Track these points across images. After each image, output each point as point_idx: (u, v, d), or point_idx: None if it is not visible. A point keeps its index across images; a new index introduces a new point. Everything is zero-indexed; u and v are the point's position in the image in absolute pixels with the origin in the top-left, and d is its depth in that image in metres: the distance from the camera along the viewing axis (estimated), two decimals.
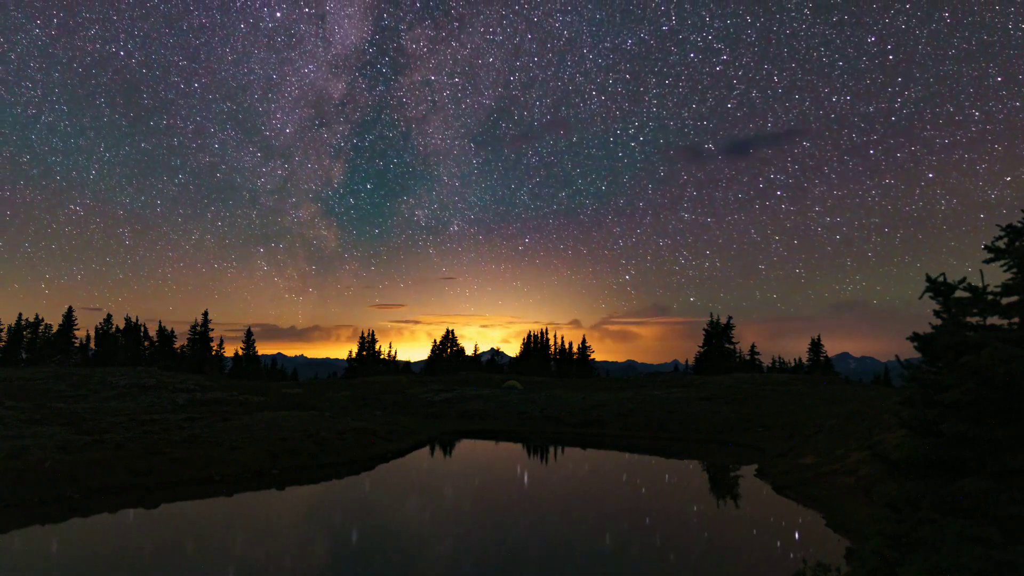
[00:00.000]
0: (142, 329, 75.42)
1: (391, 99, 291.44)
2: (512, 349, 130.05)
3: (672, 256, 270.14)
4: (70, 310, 71.78)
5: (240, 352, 76.36)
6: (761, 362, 73.12)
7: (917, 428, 6.90)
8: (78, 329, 72.31)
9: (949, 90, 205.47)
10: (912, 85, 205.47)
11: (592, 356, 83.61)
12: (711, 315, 75.85)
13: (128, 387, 41.10)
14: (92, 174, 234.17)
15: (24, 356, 68.64)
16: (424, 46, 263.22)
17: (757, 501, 19.31)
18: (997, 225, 6.93)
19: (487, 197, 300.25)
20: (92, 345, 74.01)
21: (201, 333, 74.56)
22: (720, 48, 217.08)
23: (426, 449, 29.31)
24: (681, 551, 14.06)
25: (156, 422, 26.30)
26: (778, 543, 14.74)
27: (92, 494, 17.45)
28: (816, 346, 72.01)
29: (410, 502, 18.78)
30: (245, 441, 23.61)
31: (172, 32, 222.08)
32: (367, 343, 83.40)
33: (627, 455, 29.36)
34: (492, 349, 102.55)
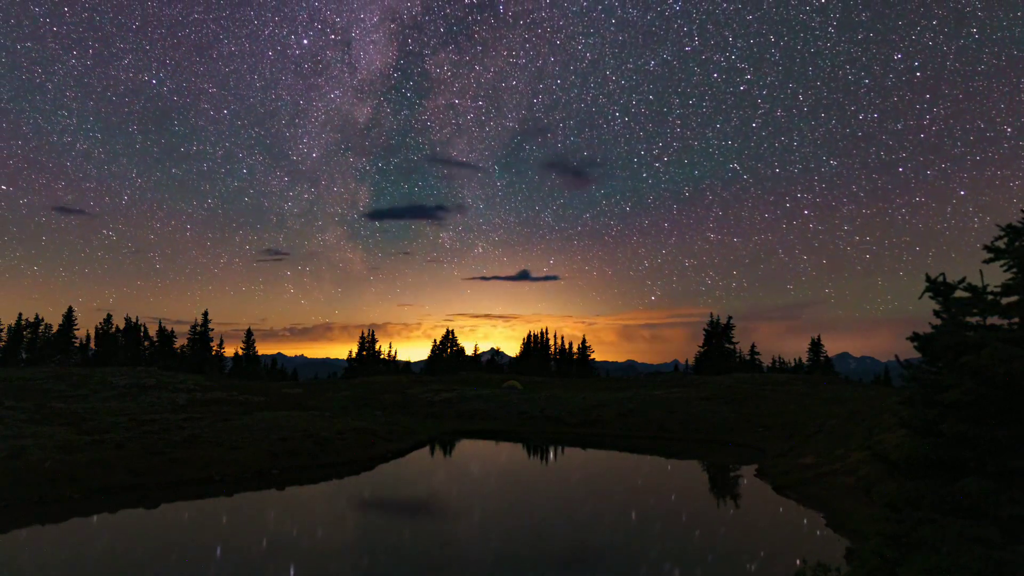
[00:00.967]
0: (142, 329, 75.44)
1: (416, 123, 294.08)
2: (512, 349, 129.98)
3: (698, 276, 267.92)
4: (70, 310, 71.80)
5: (240, 352, 76.33)
6: (761, 362, 73.11)
7: (917, 428, 6.90)
8: (78, 329, 72.35)
9: (979, 106, 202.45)
10: (941, 102, 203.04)
11: (592, 356, 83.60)
12: (711, 315, 75.81)
13: (128, 387, 41.09)
14: (124, 199, 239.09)
15: (24, 356, 68.64)
16: (448, 70, 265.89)
17: (757, 501, 19.31)
18: (997, 225, 6.93)
19: (511, 219, 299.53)
20: (92, 345, 74.02)
21: (201, 333, 74.55)
22: (744, 68, 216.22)
23: (426, 449, 29.31)
24: (681, 551, 14.07)
25: (156, 422, 26.29)
26: (778, 543, 14.74)
27: (92, 494, 17.45)
28: (816, 346, 71.99)
29: (410, 502, 18.78)
30: (245, 441, 23.61)
31: (202, 60, 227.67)
32: (367, 343, 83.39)
33: (627, 455, 29.36)
34: (492, 349, 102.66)
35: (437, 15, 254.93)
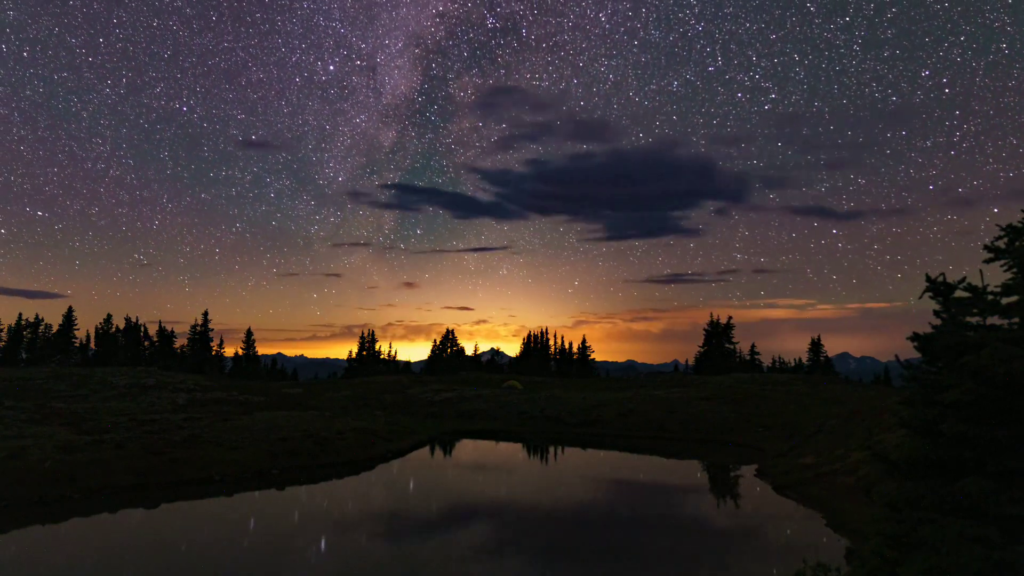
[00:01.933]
0: (142, 329, 75.42)
1: (440, 146, 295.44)
2: (512, 349, 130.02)
3: (725, 297, 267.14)
4: (70, 310, 71.78)
5: (240, 352, 76.30)
6: (761, 362, 73.01)
7: (917, 428, 6.89)
8: (78, 329, 72.29)
9: (1011, 122, 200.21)
10: (971, 118, 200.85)
11: (592, 356, 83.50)
12: (711, 315, 75.78)
13: (128, 387, 41.09)
14: (155, 224, 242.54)
15: (24, 356, 68.62)
16: (472, 93, 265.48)
17: (757, 501, 19.31)
18: (997, 225, 6.93)
19: (536, 241, 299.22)
20: (92, 345, 73.99)
21: (201, 333, 74.54)
22: (768, 87, 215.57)
23: (426, 449, 29.31)
24: (681, 551, 14.06)
25: (156, 422, 26.29)
26: (778, 543, 14.74)
27: (92, 494, 17.45)
28: (816, 346, 71.95)
29: (410, 502, 18.78)
30: (245, 441, 23.61)
31: (232, 87, 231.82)
32: (367, 343, 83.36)
33: (627, 455, 29.35)
34: (492, 349, 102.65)
35: (461, 40, 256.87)
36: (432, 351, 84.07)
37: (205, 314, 75.38)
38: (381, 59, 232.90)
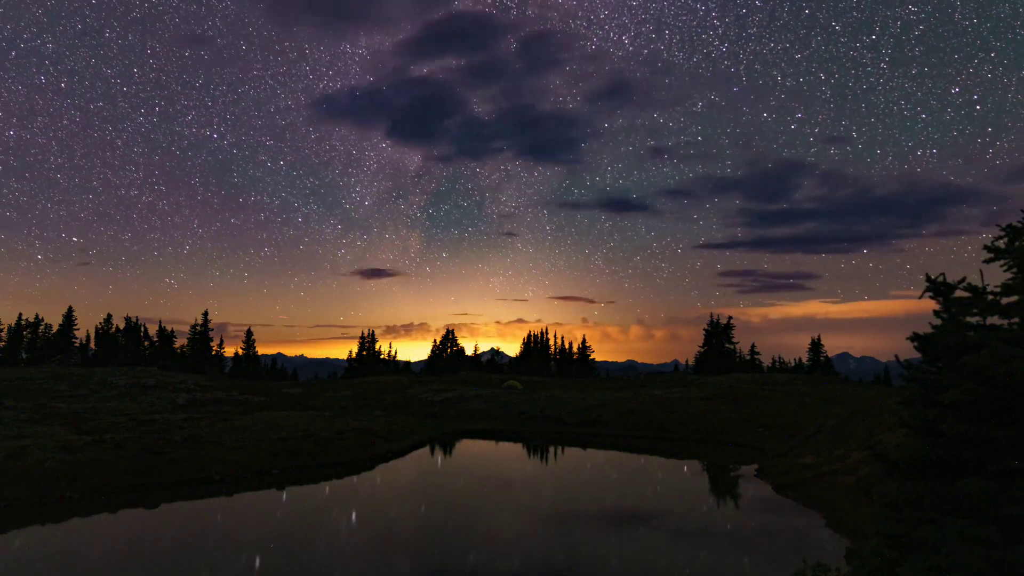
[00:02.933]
0: (142, 329, 75.41)
1: (465, 170, 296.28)
2: (512, 349, 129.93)
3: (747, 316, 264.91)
4: (70, 310, 71.77)
5: (240, 352, 76.29)
6: (761, 362, 73.00)
7: (917, 428, 6.89)
8: (78, 329, 72.29)
9: None
10: (1004, 135, 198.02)
11: (592, 356, 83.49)
12: (711, 315, 75.81)
13: (128, 387, 41.09)
14: (186, 249, 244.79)
15: (24, 356, 68.60)
16: (496, 117, 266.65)
17: (757, 501, 19.30)
18: (997, 225, 6.93)
19: (561, 262, 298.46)
20: (92, 345, 73.96)
21: (201, 333, 74.53)
22: (794, 106, 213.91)
23: (426, 449, 29.30)
24: (681, 551, 14.06)
25: (156, 422, 26.29)
26: (778, 543, 14.74)
27: (92, 494, 17.45)
28: (816, 346, 71.94)
29: (410, 502, 18.77)
30: (245, 441, 23.61)
31: (260, 114, 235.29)
32: (367, 343, 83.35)
33: (627, 455, 29.35)
34: (492, 349, 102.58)
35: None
36: (432, 351, 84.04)
37: (205, 314, 75.46)
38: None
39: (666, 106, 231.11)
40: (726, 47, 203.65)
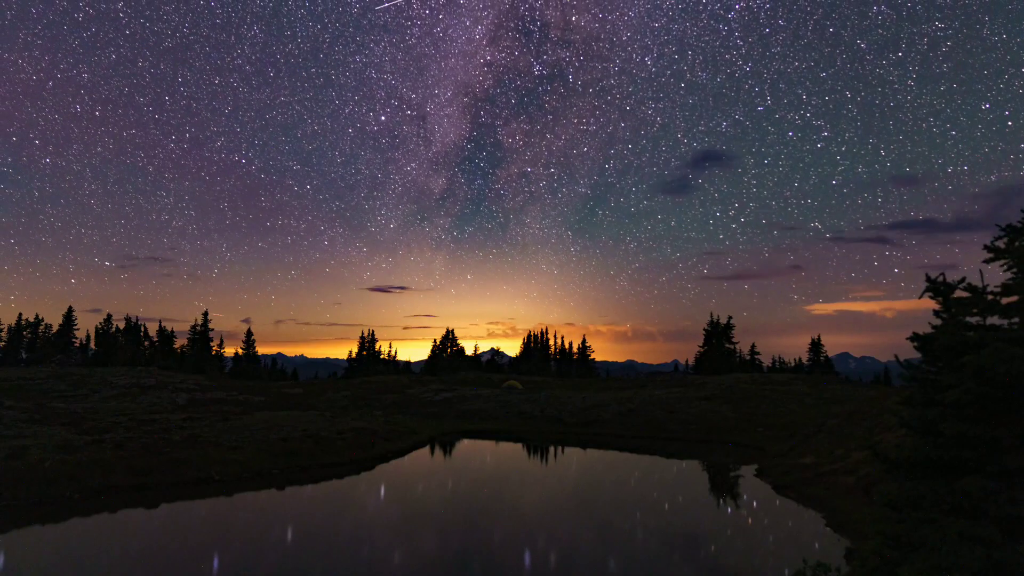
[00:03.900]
0: (142, 329, 75.44)
1: (489, 192, 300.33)
2: (512, 349, 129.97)
3: (778, 346, 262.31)
4: (70, 310, 71.79)
5: (240, 352, 76.30)
6: (761, 362, 73.02)
7: (917, 428, 6.89)
8: (78, 329, 72.35)
9: None
10: None
11: (592, 356, 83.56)
12: (711, 315, 75.87)
13: (128, 387, 41.11)
14: (215, 272, 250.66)
15: (24, 356, 68.63)
16: (520, 139, 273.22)
17: (757, 501, 19.31)
18: (997, 225, 6.92)
19: (586, 284, 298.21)
20: (92, 345, 74.02)
21: (201, 333, 74.54)
22: (820, 125, 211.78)
23: (426, 449, 29.30)
24: (682, 550, 14.06)
25: (156, 422, 26.31)
26: (778, 543, 14.74)
27: (92, 494, 17.45)
28: (816, 346, 71.97)
29: (410, 502, 18.77)
30: (245, 441, 23.62)
31: (288, 139, 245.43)
32: (367, 343, 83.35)
33: (627, 455, 29.35)
34: (492, 349, 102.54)
35: (508, 87, 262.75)
36: (432, 351, 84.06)
37: (205, 314, 75.49)
38: (431, 108, 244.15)
39: (690, 126, 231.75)
40: (750, 66, 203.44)
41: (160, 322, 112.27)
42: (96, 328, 74.28)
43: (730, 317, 71.49)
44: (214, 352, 75.31)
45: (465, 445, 31.91)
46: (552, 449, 30.86)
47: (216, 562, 12.61)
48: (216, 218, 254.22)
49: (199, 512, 17.05)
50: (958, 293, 7.05)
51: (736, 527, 16.23)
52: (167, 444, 21.73)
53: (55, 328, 71.49)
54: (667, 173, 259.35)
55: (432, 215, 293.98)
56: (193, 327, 75.05)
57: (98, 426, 24.44)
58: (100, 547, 13.73)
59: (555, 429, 36.29)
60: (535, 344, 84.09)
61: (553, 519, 16.75)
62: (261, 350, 79.20)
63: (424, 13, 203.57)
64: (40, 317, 71.31)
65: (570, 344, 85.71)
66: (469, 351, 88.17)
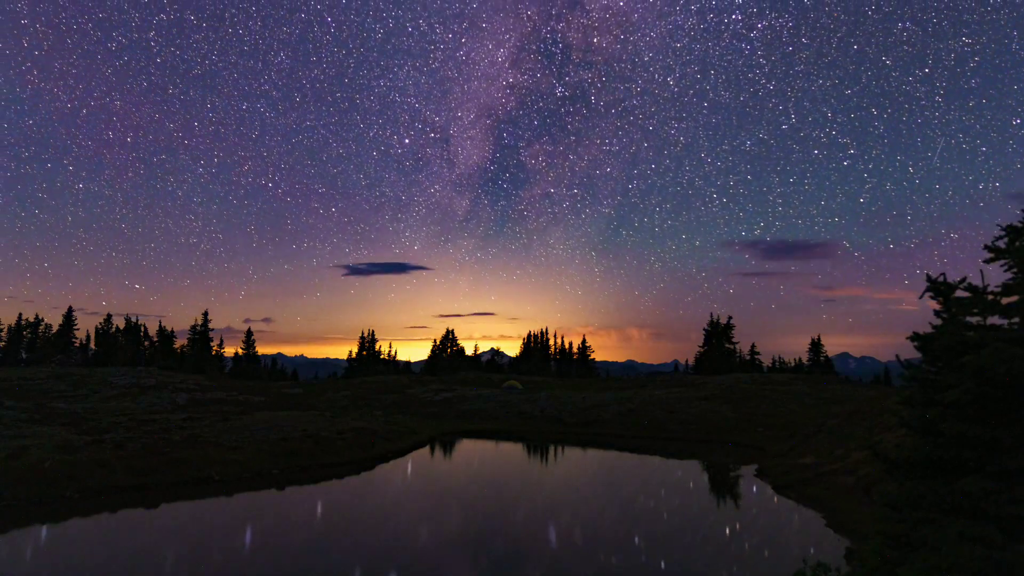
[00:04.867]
0: (142, 329, 75.43)
1: (513, 213, 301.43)
2: (513, 349, 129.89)
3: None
4: (70, 310, 71.80)
5: (240, 352, 76.28)
6: (761, 362, 73.00)
7: (917, 428, 6.89)
8: (78, 329, 72.35)
9: None
10: None
11: (592, 356, 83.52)
12: (711, 315, 75.87)
13: (128, 387, 41.12)
14: (241, 294, 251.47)
15: (24, 356, 68.63)
16: (543, 160, 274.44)
17: (757, 501, 19.31)
18: (997, 225, 6.92)
19: (611, 304, 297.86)
20: (92, 345, 74.01)
21: (201, 333, 74.53)
22: (846, 142, 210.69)
23: (426, 449, 29.30)
24: (682, 550, 14.06)
25: (156, 422, 26.31)
26: (778, 543, 14.74)
27: (92, 494, 17.45)
28: (816, 346, 71.96)
29: (410, 502, 18.77)
30: (245, 441, 23.61)
31: (313, 163, 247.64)
32: (367, 343, 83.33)
33: (627, 455, 29.35)
34: (492, 349, 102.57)
35: (531, 109, 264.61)
36: (432, 351, 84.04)
37: (205, 314, 75.48)
38: (454, 131, 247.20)
39: (714, 145, 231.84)
40: (773, 85, 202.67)
41: (160, 321, 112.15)
42: (96, 328, 74.33)
43: (730, 317, 71.54)
44: (214, 352, 75.29)
45: (465, 445, 31.90)
46: (552, 449, 30.86)
47: (216, 562, 12.61)
48: (243, 241, 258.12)
49: (199, 512, 17.05)
50: (958, 293, 7.05)
51: (736, 527, 16.23)
52: (167, 444, 21.73)
53: (55, 328, 71.50)
54: (691, 192, 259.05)
55: (456, 236, 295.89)
56: (193, 327, 75.07)
57: (98, 426, 24.44)
58: (100, 547, 13.72)
59: (555, 429, 36.28)
60: (535, 344, 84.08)
61: (553, 519, 16.74)
62: (261, 350, 79.24)
63: (447, 37, 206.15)
64: (40, 317, 71.38)
65: (570, 344, 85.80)
66: (469, 351, 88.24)
